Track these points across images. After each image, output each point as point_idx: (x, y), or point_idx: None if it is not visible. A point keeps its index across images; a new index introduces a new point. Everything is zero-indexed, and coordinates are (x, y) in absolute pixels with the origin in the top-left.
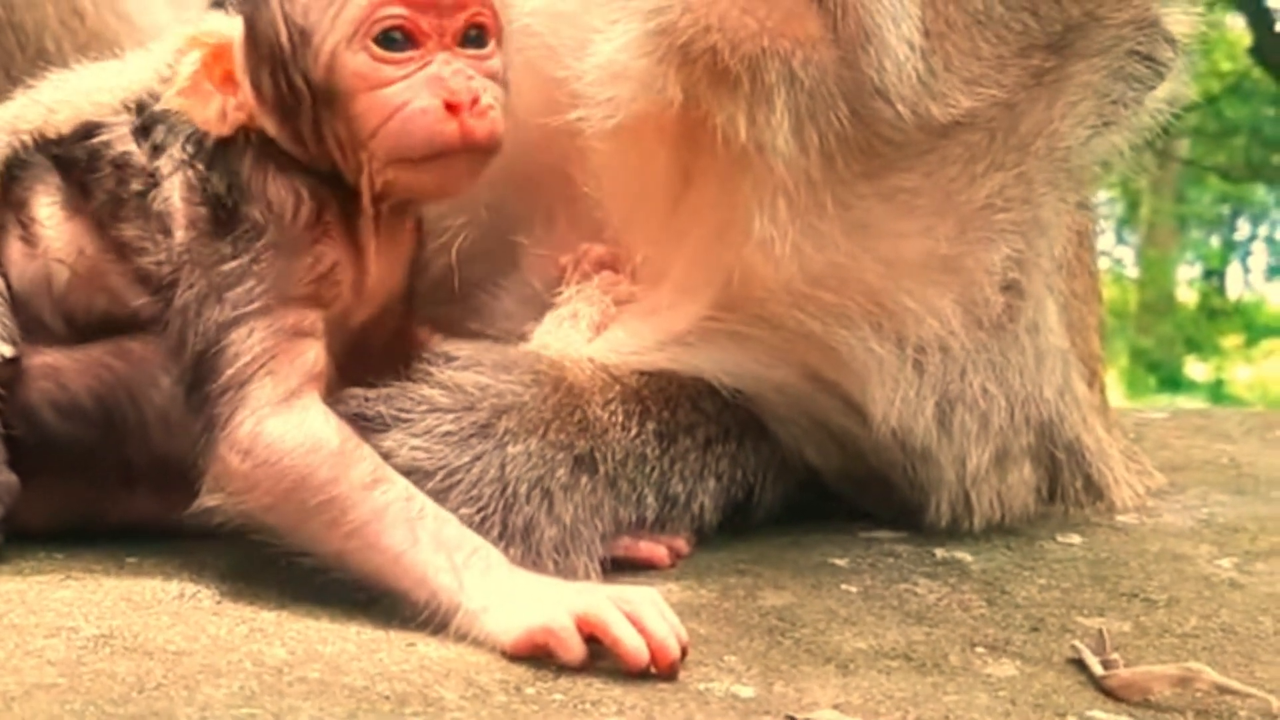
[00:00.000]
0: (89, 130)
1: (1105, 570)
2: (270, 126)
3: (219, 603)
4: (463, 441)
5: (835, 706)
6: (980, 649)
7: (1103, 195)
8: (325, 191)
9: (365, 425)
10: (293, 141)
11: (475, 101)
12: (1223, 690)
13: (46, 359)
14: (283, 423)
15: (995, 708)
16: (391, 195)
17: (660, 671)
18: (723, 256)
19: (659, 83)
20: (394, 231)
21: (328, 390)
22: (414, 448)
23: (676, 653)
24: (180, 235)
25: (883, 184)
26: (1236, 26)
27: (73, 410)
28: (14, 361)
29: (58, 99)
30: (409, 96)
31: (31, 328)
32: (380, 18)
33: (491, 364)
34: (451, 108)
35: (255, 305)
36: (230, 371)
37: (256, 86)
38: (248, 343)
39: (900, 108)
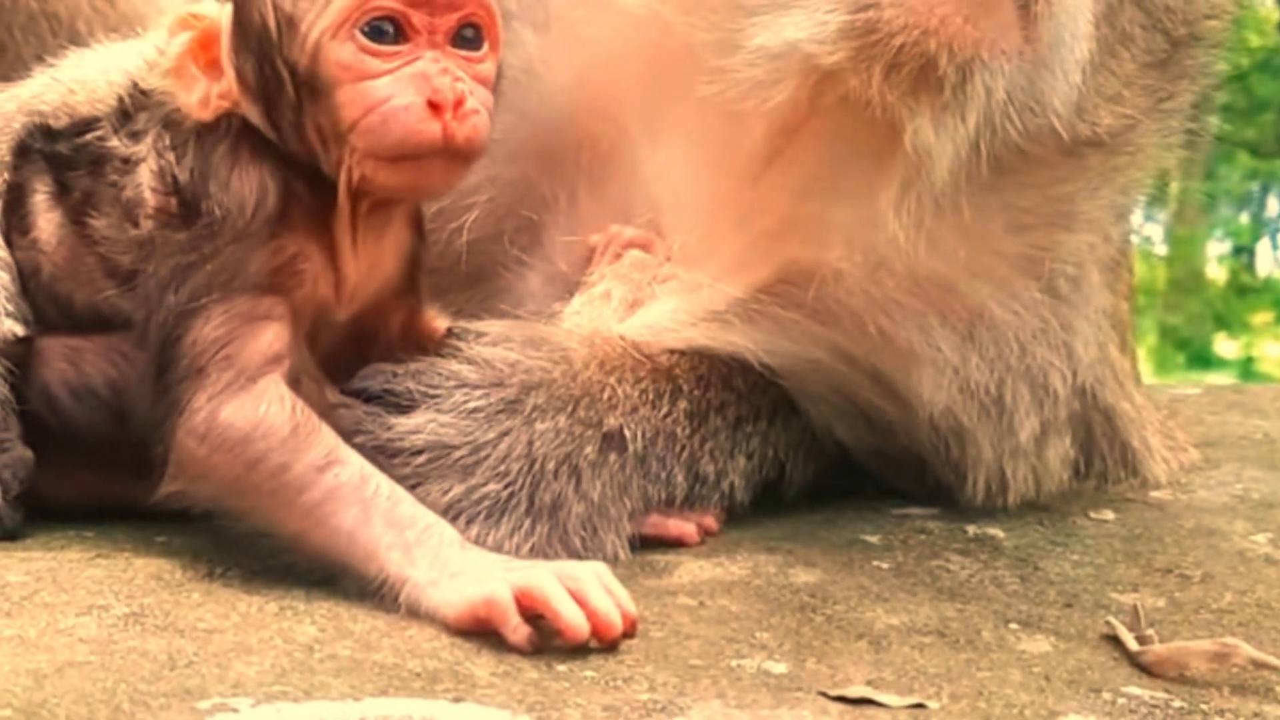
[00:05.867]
0: (85, 126)
1: (1139, 546)
2: (253, 115)
3: (249, 581)
4: (491, 417)
5: (868, 683)
6: (1014, 625)
7: None
8: (299, 184)
9: (393, 401)
10: (274, 131)
11: (460, 103)
12: (1259, 665)
13: (69, 340)
14: (237, 407)
15: (1029, 684)
16: (369, 191)
17: (603, 645)
18: (785, 247)
19: (849, 78)
20: (378, 227)
21: (316, 380)
22: (442, 423)
23: (618, 627)
24: (146, 224)
25: (1004, 196)
26: (1266, 2)
27: (87, 394)
28: (27, 341)
29: (76, 78)
30: (392, 91)
31: (33, 313)
32: (370, 8)
33: (521, 340)
34: (434, 107)
35: (212, 294)
36: (188, 359)
37: (241, 73)
38: (205, 330)
39: (1057, 123)
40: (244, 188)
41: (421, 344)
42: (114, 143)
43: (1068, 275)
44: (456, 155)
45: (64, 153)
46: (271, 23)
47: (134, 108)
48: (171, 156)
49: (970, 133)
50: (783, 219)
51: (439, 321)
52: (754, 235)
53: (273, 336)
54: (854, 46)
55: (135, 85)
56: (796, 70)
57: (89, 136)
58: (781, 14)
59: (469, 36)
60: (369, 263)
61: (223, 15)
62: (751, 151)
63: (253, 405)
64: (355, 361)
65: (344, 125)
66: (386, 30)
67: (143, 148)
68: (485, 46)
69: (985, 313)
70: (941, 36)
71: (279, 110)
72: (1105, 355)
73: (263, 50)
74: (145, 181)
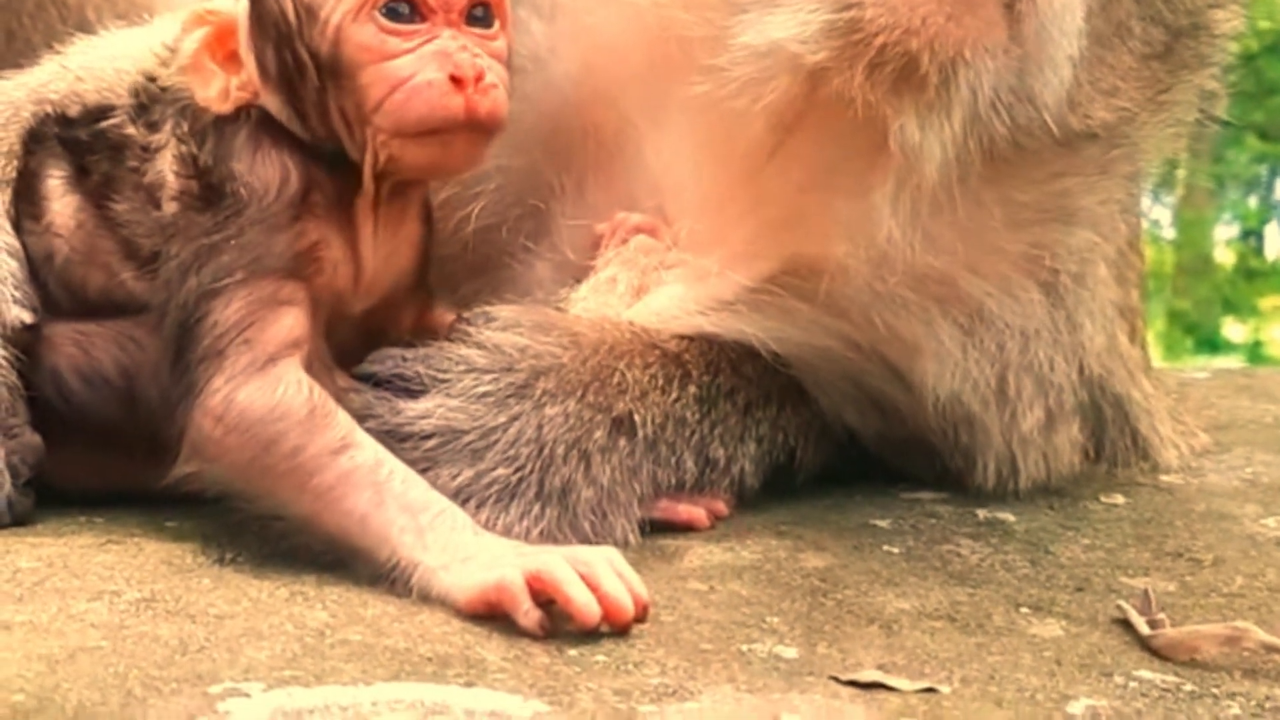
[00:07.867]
0: (101, 113)
1: (1150, 530)
2: (273, 105)
3: (260, 566)
4: (500, 402)
5: (879, 667)
6: (1024, 609)
7: None
8: (319, 173)
9: (402, 385)
10: (297, 120)
11: (480, 78)
12: (1270, 649)
13: (78, 325)
14: (255, 390)
15: (1040, 668)
16: (394, 172)
17: (615, 629)
18: (790, 239)
19: (833, 77)
20: (395, 217)
21: (327, 366)
22: (451, 408)
23: (630, 611)
24: (167, 207)
25: (1001, 191)
26: None
27: (97, 379)
28: (34, 328)
29: (84, 66)
30: (415, 69)
31: (43, 299)
32: None
33: (531, 325)
34: (457, 82)
35: (234, 277)
36: (208, 340)
37: (261, 64)
38: (225, 312)
39: (1047, 117)
40: (268, 171)
41: (432, 339)
42: (131, 130)
43: (1071, 272)
44: (480, 128)
45: (82, 138)
46: (290, 11)
47: (149, 100)
48: (192, 142)
49: (957, 131)
50: (787, 210)
51: (448, 317)
52: (760, 225)
53: (292, 321)
54: (837, 46)
55: (148, 79)
56: (784, 69)
57: (106, 124)
58: (767, 12)
59: (480, 15)
60: (386, 253)
61: (239, 8)
62: (752, 144)
63: (270, 388)
64: (366, 357)
65: (369, 106)
66: (403, 11)
67: (162, 135)
68: (496, 24)
69: (985, 310)
70: (924, 36)
71: (302, 98)
72: (1114, 345)
73: (283, 39)
74: (167, 166)
